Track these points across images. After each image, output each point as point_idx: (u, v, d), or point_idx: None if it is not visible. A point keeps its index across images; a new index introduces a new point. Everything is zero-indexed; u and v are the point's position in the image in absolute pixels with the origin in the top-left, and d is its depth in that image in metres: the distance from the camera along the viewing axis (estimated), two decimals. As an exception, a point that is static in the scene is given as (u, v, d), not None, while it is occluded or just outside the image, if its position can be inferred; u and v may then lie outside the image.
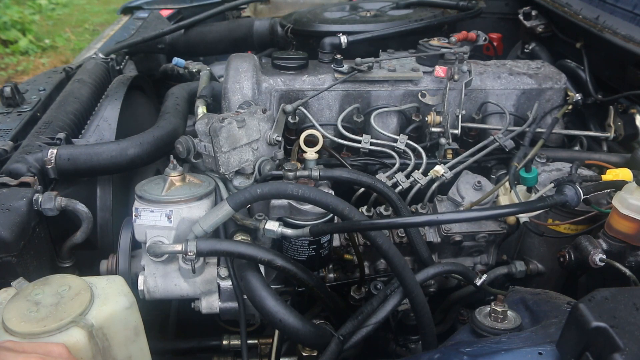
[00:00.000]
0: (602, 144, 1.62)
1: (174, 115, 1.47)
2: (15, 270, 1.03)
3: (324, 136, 1.41)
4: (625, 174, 1.25)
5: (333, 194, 1.15)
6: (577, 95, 1.62)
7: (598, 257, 1.13)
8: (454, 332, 1.09)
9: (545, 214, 1.32)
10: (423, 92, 1.54)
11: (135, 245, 1.20)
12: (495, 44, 2.10)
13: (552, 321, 0.88)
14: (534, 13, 2.00)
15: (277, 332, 1.27)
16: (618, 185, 1.18)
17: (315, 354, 1.22)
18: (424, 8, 1.95)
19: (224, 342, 1.41)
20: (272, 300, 1.05)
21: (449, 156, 1.52)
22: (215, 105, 1.57)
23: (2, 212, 1.04)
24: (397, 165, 1.45)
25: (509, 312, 0.96)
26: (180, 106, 1.56)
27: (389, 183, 1.39)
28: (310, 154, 1.30)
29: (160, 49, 2.25)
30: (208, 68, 1.88)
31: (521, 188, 1.32)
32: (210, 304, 1.20)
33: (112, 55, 1.96)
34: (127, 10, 2.72)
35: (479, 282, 1.14)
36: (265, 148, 1.34)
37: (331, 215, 1.23)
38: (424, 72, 1.56)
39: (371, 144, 1.49)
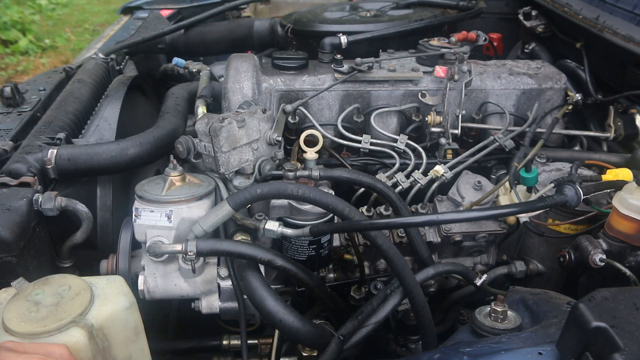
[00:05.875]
0: (602, 144, 1.62)
1: (174, 115, 1.47)
2: (15, 270, 1.03)
3: (324, 136, 1.41)
4: (625, 174, 1.25)
5: (333, 194, 1.15)
6: (577, 95, 1.62)
7: (598, 257, 1.13)
8: (454, 332, 1.09)
9: (545, 214, 1.32)
10: (423, 92, 1.54)
11: (135, 245, 1.20)
12: (495, 44, 2.10)
13: (552, 321, 0.88)
14: (534, 13, 2.00)
15: (277, 332, 1.27)
16: (618, 185, 1.18)
17: (315, 354, 1.22)
18: (424, 8, 1.95)
19: (224, 342, 1.41)
20: (272, 300, 1.05)
21: (449, 156, 1.52)
22: (215, 105, 1.57)
23: (2, 212, 1.04)
24: (397, 165, 1.45)
25: (509, 312, 0.96)
26: (180, 106, 1.56)
27: (389, 183, 1.39)
28: (310, 154, 1.30)
29: (160, 49, 2.25)
30: (208, 68, 1.88)
31: (521, 188, 1.32)
32: (210, 304, 1.20)
33: (112, 55, 1.96)
34: (127, 10, 2.72)
35: (479, 282, 1.14)
36: (265, 148, 1.34)
37: (331, 215, 1.23)
38: (424, 72, 1.56)
39: (371, 144, 1.49)
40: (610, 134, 1.58)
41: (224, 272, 1.18)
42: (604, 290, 0.73)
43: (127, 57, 2.09)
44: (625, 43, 1.51)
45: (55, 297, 0.92)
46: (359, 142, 1.49)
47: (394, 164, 1.46)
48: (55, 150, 1.21)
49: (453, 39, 1.61)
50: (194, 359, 1.45)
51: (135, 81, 1.66)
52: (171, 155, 1.21)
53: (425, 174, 1.42)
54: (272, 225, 1.15)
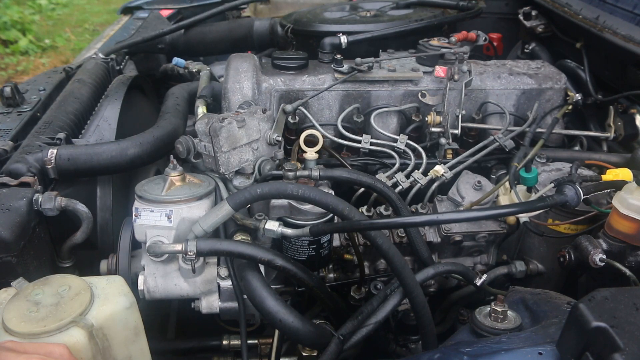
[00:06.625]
0: (602, 144, 1.62)
1: (174, 115, 1.47)
2: (15, 270, 1.03)
3: (324, 136, 1.41)
4: (625, 174, 1.25)
5: (333, 194, 1.15)
6: (577, 95, 1.62)
7: (598, 257, 1.13)
8: (454, 332, 1.09)
9: (545, 214, 1.32)
10: (423, 92, 1.54)
11: (135, 245, 1.20)
12: (495, 44, 2.10)
13: (552, 321, 0.88)
14: (534, 13, 2.00)
15: (277, 332, 1.27)
16: (618, 185, 1.18)
17: (315, 354, 1.22)
18: (424, 8, 1.95)
19: (224, 342, 1.41)
20: (272, 300, 1.05)
21: (449, 156, 1.52)
22: (215, 105, 1.58)
23: (2, 212, 1.04)
24: (397, 165, 1.45)
25: (509, 312, 0.96)
26: (180, 106, 1.56)
27: (389, 183, 1.39)
28: (310, 154, 1.30)
29: (160, 49, 2.25)
30: (208, 68, 1.88)
31: (521, 188, 1.32)
32: (210, 304, 1.20)
33: (112, 55, 1.96)
34: (127, 10, 2.72)
35: (479, 282, 1.15)
36: (265, 148, 1.34)
37: (331, 215, 1.23)
38: (424, 72, 1.56)
39: (371, 144, 1.49)
40: (610, 134, 1.58)
41: (224, 272, 1.18)
42: (604, 290, 0.73)
43: (127, 57, 2.09)
44: (625, 43, 1.51)
45: (55, 297, 0.92)
46: (359, 142, 1.49)
47: (394, 164, 1.46)
48: (55, 150, 1.21)
49: (453, 39, 1.61)
50: (194, 359, 1.45)
51: (135, 81, 1.66)
52: (171, 155, 1.21)
53: (425, 174, 1.42)
54: (272, 225, 1.15)
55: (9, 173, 1.17)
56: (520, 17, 2.03)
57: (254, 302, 1.07)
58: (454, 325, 1.50)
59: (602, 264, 1.12)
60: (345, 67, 1.51)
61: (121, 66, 1.99)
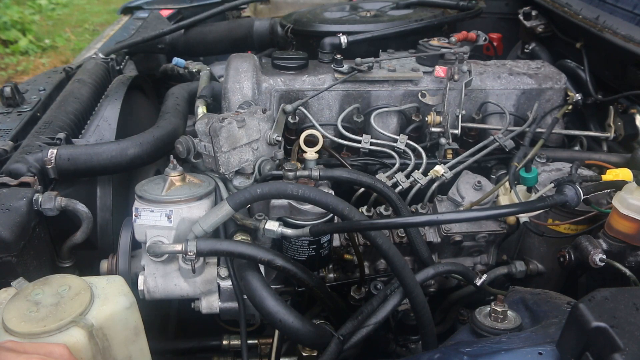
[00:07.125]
0: (602, 144, 1.62)
1: (174, 115, 1.47)
2: (15, 270, 1.03)
3: (324, 136, 1.41)
4: (625, 174, 1.25)
5: (333, 194, 1.15)
6: (577, 95, 1.62)
7: (598, 257, 1.13)
8: (454, 332, 1.09)
9: (545, 214, 1.32)
10: (423, 92, 1.54)
11: (135, 245, 1.20)
12: (495, 44, 2.10)
13: (552, 321, 0.88)
14: (534, 13, 2.00)
15: (277, 332, 1.27)
16: (618, 185, 1.18)
17: (315, 354, 1.22)
18: (424, 8, 1.95)
19: (224, 342, 1.41)
20: (272, 300, 1.05)
21: (449, 156, 1.52)
22: (215, 105, 1.58)
23: (2, 212, 1.04)
24: (397, 165, 1.45)
25: (509, 312, 0.96)
26: (180, 106, 1.56)
27: (389, 183, 1.39)
28: (310, 154, 1.30)
29: (160, 49, 2.25)
30: (208, 68, 1.88)
31: (521, 188, 1.32)
32: (210, 304, 1.20)
33: (112, 55, 1.96)
34: (127, 10, 2.72)
35: (479, 282, 1.15)
36: (265, 148, 1.34)
37: (331, 215, 1.23)
38: (424, 72, 1.56)
39: (371, 144, 1.49)
40: (610, 134, 1.58)
41: (224, 272, 1.18)
42: (604, 290, 0.73)
43: (127, 57, 2.09)
44: (625, 43, 1.51)
45: (55, 297, 0.92)
46: (359, 142, 1.49)
47: (394, 164, 1.46)
48: (55, 150, 1.21)
49: (453, 39, 1.61)
50: (194, 359, 1.45)
51: (135, 81, 1.66)
52: (171, 155, 1.21)
53: (425, 174, 1.42)
54: (272, 225, 1.15)
55: (9, 173, 1.17)
56: (520, 17, 2.03)
57: (254, 302, 1.07)
58: (454, 325, 1.50)
59: (602, 264, 1.12)
60: (345, 67, 1.51)
61: (121, 66, 1.99)
